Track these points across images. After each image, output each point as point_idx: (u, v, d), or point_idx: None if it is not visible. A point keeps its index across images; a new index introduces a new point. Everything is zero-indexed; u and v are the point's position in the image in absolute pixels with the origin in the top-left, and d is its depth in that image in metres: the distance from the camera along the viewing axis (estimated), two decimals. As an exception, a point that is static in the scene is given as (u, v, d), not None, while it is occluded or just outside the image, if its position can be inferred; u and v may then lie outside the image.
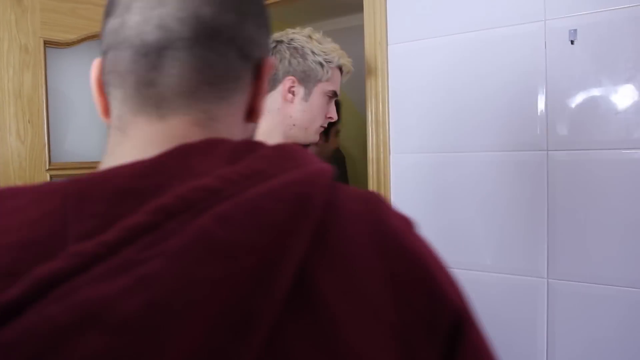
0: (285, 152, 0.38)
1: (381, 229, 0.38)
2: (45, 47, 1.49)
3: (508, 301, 1.27)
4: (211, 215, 0.32)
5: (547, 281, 1.22)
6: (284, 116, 1.11)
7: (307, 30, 1.14)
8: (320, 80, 1.11)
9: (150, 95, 0.40)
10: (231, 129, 0.43)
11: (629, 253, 1.12)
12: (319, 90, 1.12)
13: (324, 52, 1.11)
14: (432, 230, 1.38)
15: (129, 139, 0.41)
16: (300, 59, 1.10)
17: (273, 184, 0.34)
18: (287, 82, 1.10)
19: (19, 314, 0.28)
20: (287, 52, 1.11)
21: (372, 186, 1.51)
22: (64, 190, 0.36)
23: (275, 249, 0.32)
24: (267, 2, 1.72)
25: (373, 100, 1.48)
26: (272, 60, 0.47)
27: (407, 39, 1.42)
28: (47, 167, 1.49)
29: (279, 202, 0.33)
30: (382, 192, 1.48)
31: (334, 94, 1.15)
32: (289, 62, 1.10)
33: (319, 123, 1.15)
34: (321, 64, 1.10)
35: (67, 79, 1.60)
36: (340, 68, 1.15)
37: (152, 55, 0.39)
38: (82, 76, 1.64)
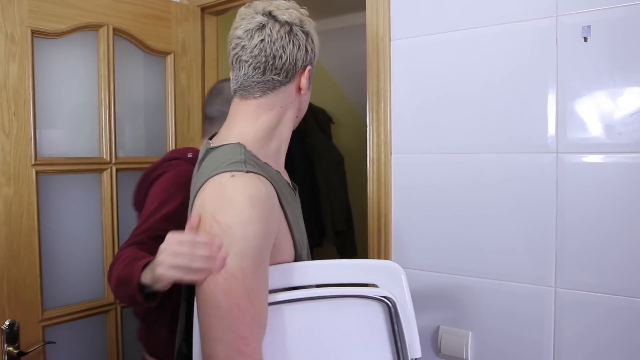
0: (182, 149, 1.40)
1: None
2: (32, 36, 1.43)
3: (513, 310, 1.23)
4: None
5: (555, 290, 1.17)
6: (294, 109, 1.01)
7: (293, 3, 0.99)
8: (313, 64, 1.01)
9: None
10: None
11: (641, 262, 1.07)
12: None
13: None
14: (434, 234, 1.34)
15: None
16: (313, 45, 0.98)
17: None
18: (307, 73, 0.98)
19: None
20: (303, 37, 0.96)
21: (371, 187, 1.44)
22: None
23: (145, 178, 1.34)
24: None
25: (374, 98, 1.43)
26: None
27: (411, 35, 1.37)
28: (33, 162, 1.43)
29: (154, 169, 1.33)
30: (382, 194, 1.42)
31: None
32: (306, 50, 0.97)
33: None
34: (317, 46, 1.00)
35: (56, 70, 1.54)
36: None
37: None
38: (71, 68, 1.58)
